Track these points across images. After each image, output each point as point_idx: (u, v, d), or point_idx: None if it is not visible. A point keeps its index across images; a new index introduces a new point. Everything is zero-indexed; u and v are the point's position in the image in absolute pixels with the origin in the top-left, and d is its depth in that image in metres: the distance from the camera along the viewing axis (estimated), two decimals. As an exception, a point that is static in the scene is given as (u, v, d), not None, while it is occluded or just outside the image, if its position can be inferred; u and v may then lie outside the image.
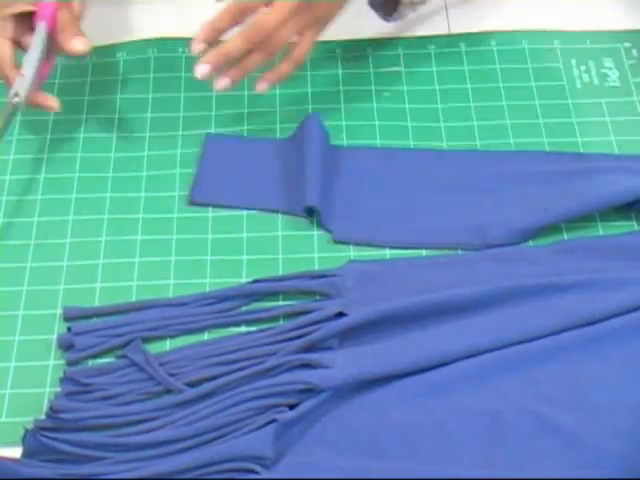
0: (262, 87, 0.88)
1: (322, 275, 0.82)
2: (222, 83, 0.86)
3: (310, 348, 0.77)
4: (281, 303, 0.81)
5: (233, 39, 0.83)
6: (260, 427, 0.72)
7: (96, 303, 0.81)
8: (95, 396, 0.75)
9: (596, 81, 0.96)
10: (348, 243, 0.85)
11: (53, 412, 0.73)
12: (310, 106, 0.94)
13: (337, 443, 0.72)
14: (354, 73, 0.97)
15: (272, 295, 0.81)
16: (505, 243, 0.84)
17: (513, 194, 0.87)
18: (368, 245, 0.85)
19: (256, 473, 0.70)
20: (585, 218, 0.85)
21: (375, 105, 0.94)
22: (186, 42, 0.89)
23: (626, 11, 1.02)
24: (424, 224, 0.86)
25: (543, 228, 0.85)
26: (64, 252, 0.84)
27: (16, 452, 0.72)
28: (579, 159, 0.90)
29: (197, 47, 0.84)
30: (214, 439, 0.72)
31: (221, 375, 0.75)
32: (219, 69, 0.85)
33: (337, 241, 0.85)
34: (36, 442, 0.71)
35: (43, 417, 0.74)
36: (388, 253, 0.84)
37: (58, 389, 0.75)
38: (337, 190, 0.88)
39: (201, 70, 0.84)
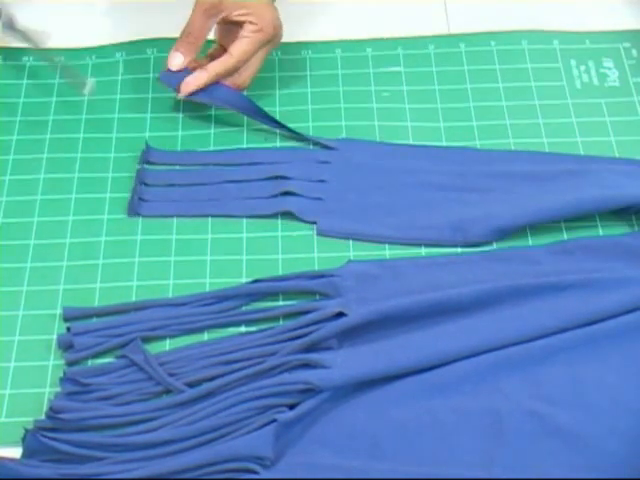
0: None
1: (321, 275, 0.82)
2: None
3: (310, 348, 0.77)
4: (281, 303, 0.81)
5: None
6: (260, 427, 0.72)
7: (96, 303, 0.81)
8: (95, 396, 0.75)
9: (596, 81, 0.96)
10: (331, 237, 0.85)
11: (53, 412, 0.73)
12: (310, 106, 0.94)
13: (337, 443, 0.72)
14: (354, 73, 0.97)
15: (272, 295, 0.81)
16: (486, 241, 0.84)
17: (501, 193, 0.87)
18: (350, 239, 0.85)
19: (256, 473, 0.70)
20: (584, 219, 0.85)
21: (375, 105, 0.94)
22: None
23: (626, 11, 1.02)
24: (408, 220, 0.86)
25: (526, 228, 0.85)
26: (64, 252, 0.84)
27: (16, 452, 0.72)
28: (573, 161, 0.89)
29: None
30: (214, 439, 0.72)
31: (221, 375, 0.75)
32: None
33: (320, 234, 0.85)
34: (36, 442, 0.71)
35: (43, 417, 0.74)
36: (387, 253, 0.84)
37: (58, 389, 0.76)
38: (322, 184, 0.88)
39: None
